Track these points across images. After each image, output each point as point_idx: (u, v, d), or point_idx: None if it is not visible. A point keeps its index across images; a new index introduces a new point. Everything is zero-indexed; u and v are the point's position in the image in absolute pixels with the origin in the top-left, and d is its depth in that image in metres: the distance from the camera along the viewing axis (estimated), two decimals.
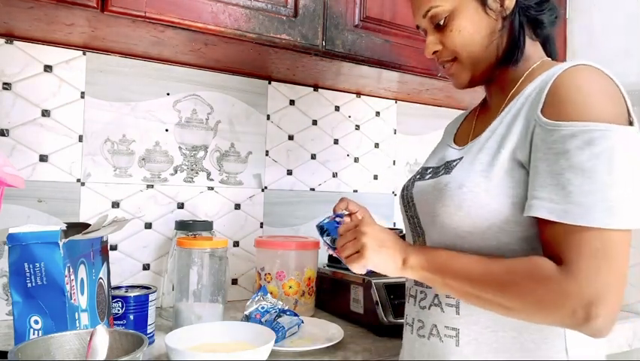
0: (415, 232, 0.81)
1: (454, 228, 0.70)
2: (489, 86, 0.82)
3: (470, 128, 0.84)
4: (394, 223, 1.60)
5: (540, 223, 0.63)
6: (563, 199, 0.59)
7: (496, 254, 0.67)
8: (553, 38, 0.81)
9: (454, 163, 0.75)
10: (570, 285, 0.57)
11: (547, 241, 0.62)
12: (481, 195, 0.67)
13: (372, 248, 0.70)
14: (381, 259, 0.70)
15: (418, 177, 0.84)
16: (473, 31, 0.74)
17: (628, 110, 0.63)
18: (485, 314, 0.68)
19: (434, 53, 0.80)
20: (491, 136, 0.71)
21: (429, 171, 0.82)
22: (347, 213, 0.86)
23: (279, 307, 1.00)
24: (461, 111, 1.70)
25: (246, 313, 0.99)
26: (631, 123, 0.62)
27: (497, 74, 0.78)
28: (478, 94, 1.51)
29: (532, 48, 0.77)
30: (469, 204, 0.67)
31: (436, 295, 0.74)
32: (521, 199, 0.65)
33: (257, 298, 1.01)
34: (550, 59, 0.79)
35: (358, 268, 0.73)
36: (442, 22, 0.76)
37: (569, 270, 0.58)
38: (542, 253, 0.63)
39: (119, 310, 0.90)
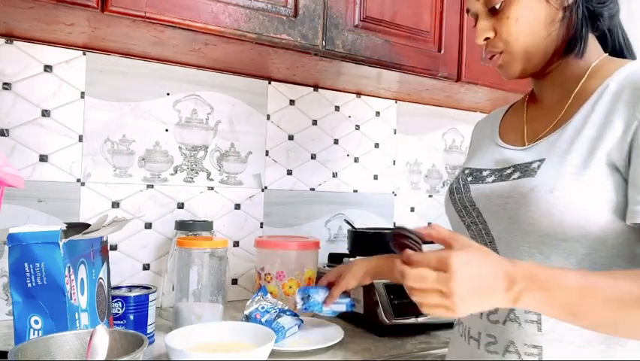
0: (480, 239, 0.75)
1: (539, 235, 0.65)
2: (540, 79, 0.78)
3: (521, 125, 0.79)
4: (394, 223, 1.60)
5: None
6: None
7: (586, 264, 0.64)
8: (616, 32, 0.76)
9: (534, 165, 0.69)
10: None
11: None
12: (574, 200, 0.62)
13: (463, 300, 0.55)
14: (479, 307, 0.57)
15: (470, 179, 0.78)
16: (532, 20, 0.69)
17: None
18: (571, 329, 0.63)
19: (485, 39, 0.74)
20: (577, 137, 0.66)
21: (485, 173, 0.77)
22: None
23: (279, 307, 1.00)
24: (462, 111, 1.72)
25: (246, 313, 0.99)
26: None
27: (553, 68, 0.75)
28: (480, 94, 1.50)
29: (592, 42, 0.73)
30: (560, 210, 0.62)
31: (512, 310, 0.68)
32: (618, 205, 0.61)
33: (257, 298, 1.01)
34: (607, 54, 0.74)
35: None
36: (497, 7, 0.71)
37: None
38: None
39: (119, 310, 0.90)
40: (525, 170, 0.69)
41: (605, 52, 0.75)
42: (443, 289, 0.55)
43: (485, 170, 0.77)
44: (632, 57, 0.75)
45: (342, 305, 1.00)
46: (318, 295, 1.00)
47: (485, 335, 0.70)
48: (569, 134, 0.68)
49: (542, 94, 0.80)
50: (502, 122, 0.86)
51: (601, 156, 0.63)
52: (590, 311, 0.56)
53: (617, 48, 0.77)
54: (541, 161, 0.68)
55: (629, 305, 0.54)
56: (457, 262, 0.55)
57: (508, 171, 0.72)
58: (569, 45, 0.71)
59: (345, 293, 1.02)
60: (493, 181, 0.74)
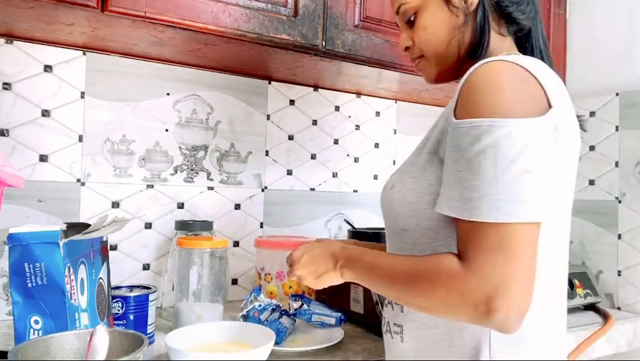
0: None
1: (392, 226, 0.75)
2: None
3: None
4: None
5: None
6: (458, 195, 0.61)
7: (428, 252, 0.69)
8: (538, 34, 0.79)
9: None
10: (469, 280, 0.58)
11: (457, 238, 0.63)
12: (407, 193, 0.70)
13: (311, 282, 0.77)
14: (326, 283, 0.76)
15: None
16: (436, 27, 0.76)
17: (548, 100, 0.62)
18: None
19: (406, 49, 0.82)
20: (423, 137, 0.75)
21: None
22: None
23: (275, 303, 1.01)
24: None
25: (243, 313, 0.99)
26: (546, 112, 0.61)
27: (464, 70, 0.77)
28: None
29: (500, 44, 0.75)
30: (397, 203, 0.72)
31: None
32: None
33: (250, 299, 1.01)
34: (521, 54, 0.76)
35: None
36: (412, 19, 0.79)
37: (468, 265, 0.59)
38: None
39: (119, 310, 0.90)
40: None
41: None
42: (300, 279, 0.78)
43: None
44: (549, 63, 0.76)
45: (331, 319, 1.02)
46: (311, 306, 1.03)
47: (383, 316, 0.80)
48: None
49: None
50: None
51: (428, 151, 0.70)
52: (377, 284, 0.68)
53: (535, 54, 0.78)
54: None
55: (397, 281, 0.65)
56: (295, 256, 0.78)
57: None
58: (473, 48, 0.75)
59: (336, 308, 1.04)
60: None
